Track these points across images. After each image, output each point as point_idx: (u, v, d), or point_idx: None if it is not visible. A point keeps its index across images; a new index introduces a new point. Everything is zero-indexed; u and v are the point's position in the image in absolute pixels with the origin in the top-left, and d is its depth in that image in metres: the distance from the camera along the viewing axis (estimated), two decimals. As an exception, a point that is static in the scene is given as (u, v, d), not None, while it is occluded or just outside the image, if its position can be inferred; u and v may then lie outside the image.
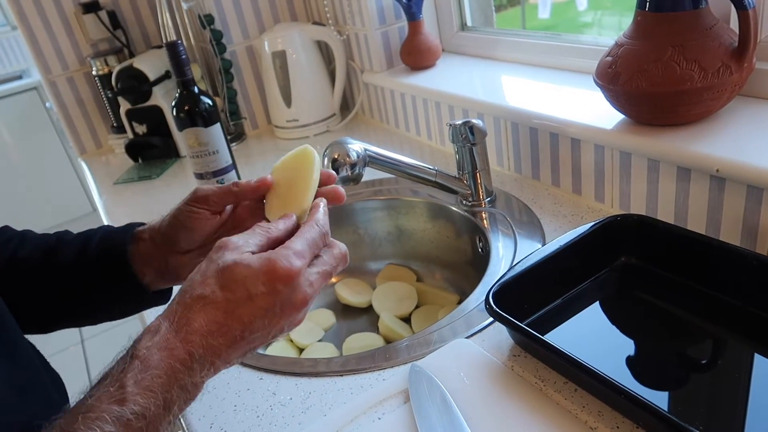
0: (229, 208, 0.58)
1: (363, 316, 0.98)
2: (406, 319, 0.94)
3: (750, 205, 0.64)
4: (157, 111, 1.31)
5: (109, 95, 1.34)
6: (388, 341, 0.89)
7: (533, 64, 1.07)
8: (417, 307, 0.95)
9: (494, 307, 0.60)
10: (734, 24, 0.70)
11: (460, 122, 0.84)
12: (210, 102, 0.97)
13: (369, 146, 0.80)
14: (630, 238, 0.68)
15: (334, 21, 1.30)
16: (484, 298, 0.70)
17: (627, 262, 0.69)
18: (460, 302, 0.94)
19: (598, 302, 0.67)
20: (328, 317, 0.97)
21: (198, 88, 0.97)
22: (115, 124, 1.46)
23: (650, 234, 0.67)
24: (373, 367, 0.64)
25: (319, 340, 0.93)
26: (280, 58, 1.29)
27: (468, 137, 0.86)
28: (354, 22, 1.25)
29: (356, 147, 0.79)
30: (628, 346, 0.61)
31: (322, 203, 0.51)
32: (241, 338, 0.43)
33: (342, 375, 0.64)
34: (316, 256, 0.48)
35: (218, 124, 0.99)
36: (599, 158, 0.80)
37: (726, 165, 0.63)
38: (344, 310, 0.99)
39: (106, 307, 0.62)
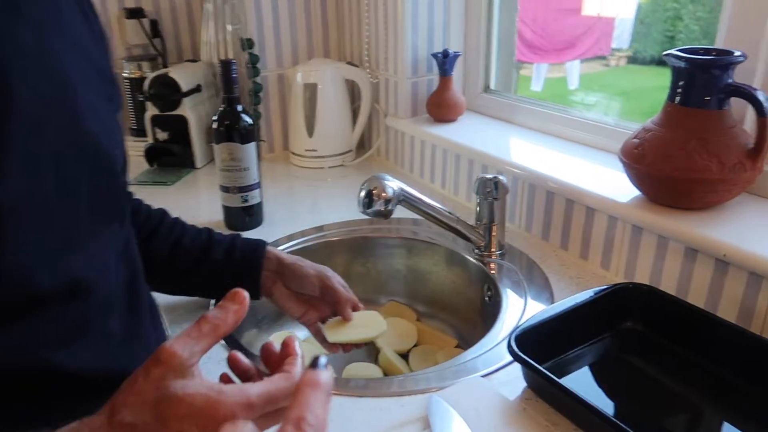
0: None
1: (362, 347, 1.01)
2: (404, 356, 0.97)
3: (749, 291, 0.70)
4: (183, 121, 1.35)
5: (140, 98, 1.38)
6: (386, 374, 0.92)
7: (548, 132, 1.15)
8: (415, 345, 0.99)
9: (516, 349, 0.64)
10: (748, 126, 0.78)
11: (490, 176, 0.90)
12: (250, 121, 1.02)
13: (404, 186, 0.86)
14: (638, 306, 0.74)
15: (370, 64, 1.37)
16: (496, 342, 0.75)
17: (633, 327, 0.75)
18: (457, 346, 0.98)
19: (600, 362, 0.72)
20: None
21: (241, 106, 1.01)
22: (135, 127, 1.48)
23: (658, 304, 0.72)
24: (391, 393, 0.67)
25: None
26: (311, 90, 1.35)
27: (492, 191, 0.92)
28: (387, 68, 1.32)
29: (393, 184, 0.84)
30: (628, 407, 0.66)
31: (323, 359, 0.38)
32: None
33: (362, 396, 0.67)
34: (268, 414, 0.40)
35: (254, 144, 1.03)
36: (611, 229, 0.87)
37: (732, 252, 0.70)
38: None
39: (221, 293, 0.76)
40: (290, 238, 1.05)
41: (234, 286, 0.72)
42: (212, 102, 1.46)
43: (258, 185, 1.07)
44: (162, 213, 0.79)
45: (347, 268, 1.08)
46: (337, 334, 0.77)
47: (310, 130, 1.37)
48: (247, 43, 1.34)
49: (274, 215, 1.15)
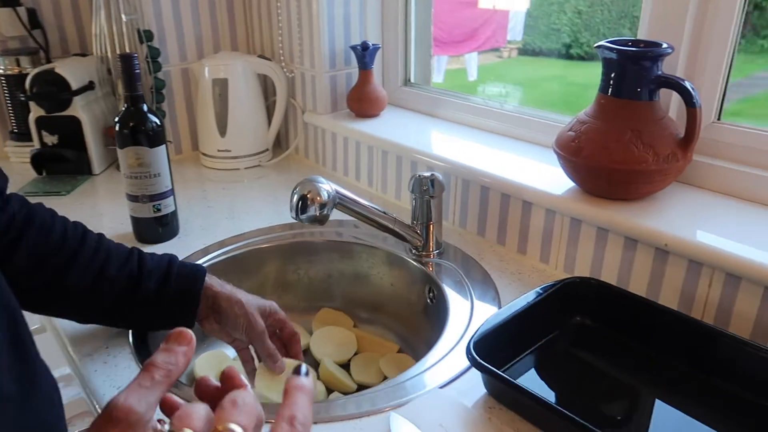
0: None
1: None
2: (344, 366, 0.92)
3: (689, 277, 0.72)
4: (75, 122, 1.20)
5: (21, 98, 1.21)
6: (329, 389, 0.86)
7: (473, 125, 1.14)
8: (355, 353, 0.94)
9: (477, 357, 0.61)
10: (674, 117, 0.80)
11: (427, 174, 0.87)
12: (158, 122, 0.92)
13: (339, 188, 0.80)
14: (586, 300, 0.74)
15: (284, 58, 1.29)
16: (450, 349, 0.72)
17: (582, 321, 0.74)
18: (400, 351, 0.95)
19: (554, 361, 0.71)
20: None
21: (147, 105, 0.91)
22: (15, 130, 1.31)
23: (606, 297, 0.72)
24: (347, 416, 0.62)
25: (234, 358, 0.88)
26: (220, 85, 1.25)
27: (429, 189, 0.88)
28: (303, 61, 1.25)
29: (327, 187, 0.79)
30: (586, 403, 0.65)
31: (304, 367, 0.40)
32: None
33: (314, 423, 0.61)
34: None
35: (164, 146, 0.93)
36: (549, 222, 0.87)
37: (673, 241, 0.71)
38: (278, 354, 0.95)
39: (151, 326, 0.73)
40: (217, 247, 0.96)
41: (164, 320, 0.68)
42: (108, 101, 1.32)
43: (171, 192, 0.97)
44: (82, 233, 0.68)
45: (278, 277, 1.00)
46: (267, 388, 0.67)
47: (222, 129, 1.27)
48: (146, 35, 1.21)
49: (189, 224, 1.05)
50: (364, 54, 1.16)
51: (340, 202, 0.81)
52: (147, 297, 0.66)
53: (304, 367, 0.40)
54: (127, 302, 0.66)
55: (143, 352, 0.72)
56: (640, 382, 0.67)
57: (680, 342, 0.68)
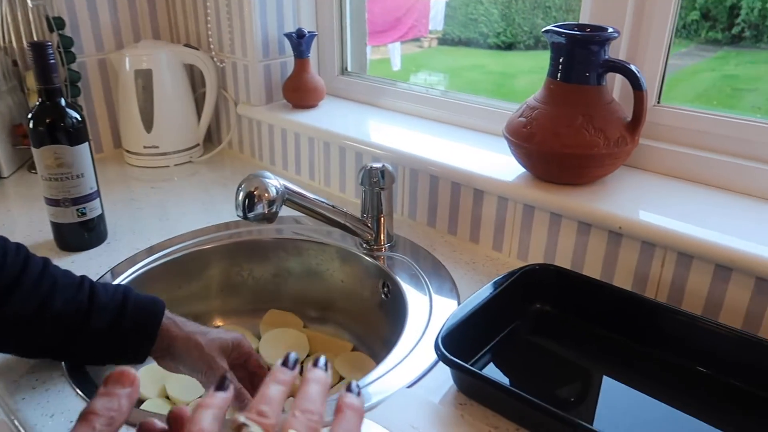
0: None
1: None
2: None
3: (642, 259, 0.73)
4: (-23, 120, 1.08)
5: None
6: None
7: (415, 114, 1.12)
8: (308, 355, 0.90)
9: (446, 353, 0.59)
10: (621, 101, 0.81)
11: (377, 165, 0.84)
12: (78, 117, 0.83)
13: (288, 183, 0.76)
14: (546, 287, 0.73)
15: (215, 47, 1.22)
16: (413, 346, 0.70)
17: (542, 308, 0.74)
18: (354, 349, 0.91)
19: (518, 350, 0.70)
20: (207, 369, 0.86)
21: (65, 100, 0.82)
22: None
23: (566, 283, 0.72)
24: (314, 424, 0.58)
25: (200, 396, 0.82)
26: (144, 77, 1.16)
27: (379, 181, 0.85)
28: (234, 50, 1.18)
29: (275, 183, 0.74)
30: (551, 389, 0.65)
31: (323, 358, 0.39)
32: None
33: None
34: None
35: (86, 144, 0.84)
36: (501, 209, 0.86)
37: (627, 223, 0.72)
38: (225, 361, 0.89)
39: (99, 362, 0.65)
40: (149, 252, 0.89)
41: (114, 357, 0.62)
42: (14, 96, 1.19)
43: (97, 194, 0.88)
44: (25, 257, 0.60)
45: (222, 280, 0.94)
46: None
47: (148, 124, 1.18)
48: (56, 23, 1.11)
49: (118, 228, 0.97)
50: (300, 42, 1.11)
51: (289, 198, 0.76)
52: (97, 333, 0.60)
53: (322, 359, 0.38)
54: (73, 337, 0.59)
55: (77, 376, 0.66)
56: (601, 364, 0.68)
57: (635, 321, 0.68)
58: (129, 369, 0.33)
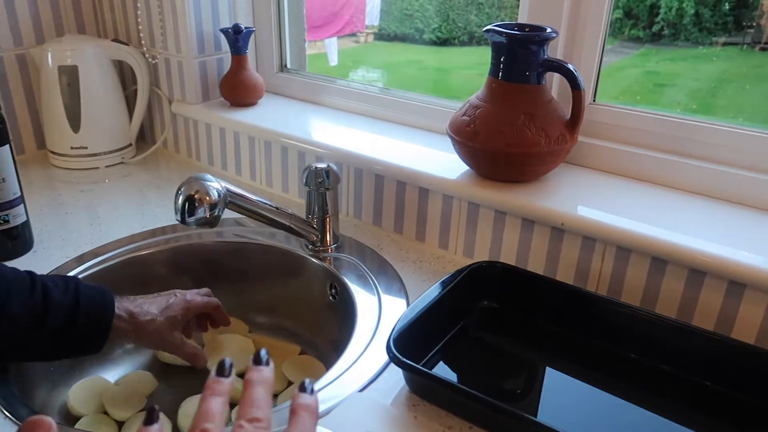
0: None
1: (190, 375, 0.86)
2: (244, 375, 0.85)
3: (584, 254, 0.75)
4: None
5: None
6: (232, 404, 0.79)
7: (356, 112, 1.11)
8: (253, 360, 0.87)
9: (398, 355, 0.59)
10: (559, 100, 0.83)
11: (322, 165, 0.82)
12: (-2, 118, 0.77)
13: (230, 185, 0.73)
14: (493, 284, 0.74)
15: (146, 43, 1.16)
16: (363, 348, 0.69)
17: (489, 305, 0.75)
18: (302, 353, 0.90)
19: (468, 348, 0.70)
20: (147, 381, 0.82)
21: (-19, 99, 0.76)
22: None
23: (512, 280, 0.74)
24: (265, 435, 0.56)
25: (141, 410, 0.79)
26: (69, 74, 1.09)
27: (324, 181, 0.84)
28: (166, 46, 1.13)
29: (216, 185, 0.71)
30: (506, 387, 0.66)
31: (264, 351, 0.42)
32: None
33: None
34: None
35: (7, 147, 0.79)
36: (447, 208, 0.86)
37: (569, 219, 0.74)
38: (167, 371, 0.86)
39: (53, 358, 0.67)
40: (78, 262, 0.84)
41: (70, 352, 0.63)
42: None
43: (21, 199, 0.83)
44: None
45: (161, 287, 0.89)
46: None
47: (75, 123, 1.12)
48: (-31, 15, 1.03)
49: (45, 234, 0.91)
50: (237, 38, 1.08)
51: (231, 201, 0.74)
52: (53, 332, 0.61)
53: (263, 351, 0.40)
54: (29, 338, 0.60)
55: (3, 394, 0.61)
56: (546, 357, 0.69)
57: (578, 314, 0.70)
58: (44, 418, 0.33)
